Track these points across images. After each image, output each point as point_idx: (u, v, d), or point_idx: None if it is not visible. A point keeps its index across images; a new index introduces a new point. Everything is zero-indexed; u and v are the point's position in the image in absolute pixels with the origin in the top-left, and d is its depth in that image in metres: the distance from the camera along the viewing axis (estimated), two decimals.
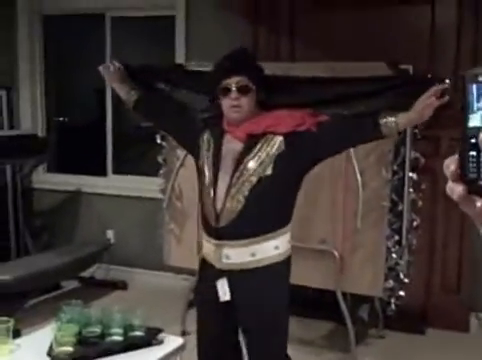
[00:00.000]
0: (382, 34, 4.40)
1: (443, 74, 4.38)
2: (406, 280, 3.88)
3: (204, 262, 2.59)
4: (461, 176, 0.85)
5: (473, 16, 4.29)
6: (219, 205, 2.39)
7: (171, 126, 2.76)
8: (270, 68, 4.10)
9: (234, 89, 2.38)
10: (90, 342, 2.48)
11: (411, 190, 3.89)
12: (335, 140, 2.48)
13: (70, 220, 5.71)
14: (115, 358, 2.44)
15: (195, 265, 4.39)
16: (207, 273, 2.56)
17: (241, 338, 2.62)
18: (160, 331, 2.60)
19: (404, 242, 3.86)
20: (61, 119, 6.09)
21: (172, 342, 2.58)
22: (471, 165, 0.84)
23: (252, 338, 2.53)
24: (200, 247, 2.61)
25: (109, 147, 5.67)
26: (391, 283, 3.80)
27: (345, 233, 3.77)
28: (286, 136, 2.38)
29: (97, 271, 5.50)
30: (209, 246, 2.49)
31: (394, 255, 3.81)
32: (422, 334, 4.40)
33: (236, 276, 2.43)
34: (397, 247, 3.81)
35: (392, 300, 3.85)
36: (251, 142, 2.39)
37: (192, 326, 4.33)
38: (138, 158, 5.88)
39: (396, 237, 3.78)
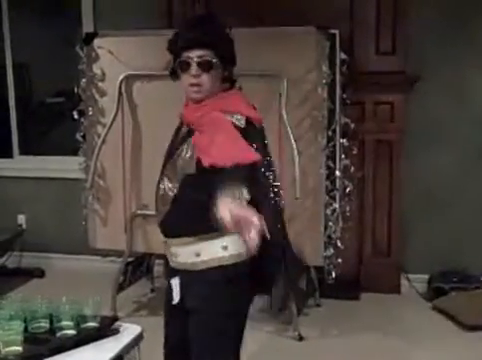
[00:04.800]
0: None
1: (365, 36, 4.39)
2: (342, 247, 3.86)
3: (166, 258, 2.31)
4: None
5: None
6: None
7: None
8: None
9: (194, 64, 2.04)
10: (39, 339, 2.23)
11: (343, 156, 3.86)
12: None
13: None
14: (70, 354, 2.20)
15: (123, 246, 4.23)
16: (167, 271, 2.33)
17: None
18: (116, 319, 2.39)
19: (338, 209, 3.82)
20: None
21: (129, 331, 2.37)
22: None
23: (193, 350, 2.17)
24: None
25: (13, 126, 5.27)
26: (331, 251, 3.76)
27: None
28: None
29: (9, 260, 5.13)
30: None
31: (331, 223, 3.76)
32: (357, 300, 4.42)
33: (186, 277, 2.16)
34: (334, 214, 3.77)
35: (331, 268, 3.82)
36: (191, 131, 2.10)
37: (123, 310, 4.17)
38: (46, 136, 5.50)
39: (334, 205, 3.73)
